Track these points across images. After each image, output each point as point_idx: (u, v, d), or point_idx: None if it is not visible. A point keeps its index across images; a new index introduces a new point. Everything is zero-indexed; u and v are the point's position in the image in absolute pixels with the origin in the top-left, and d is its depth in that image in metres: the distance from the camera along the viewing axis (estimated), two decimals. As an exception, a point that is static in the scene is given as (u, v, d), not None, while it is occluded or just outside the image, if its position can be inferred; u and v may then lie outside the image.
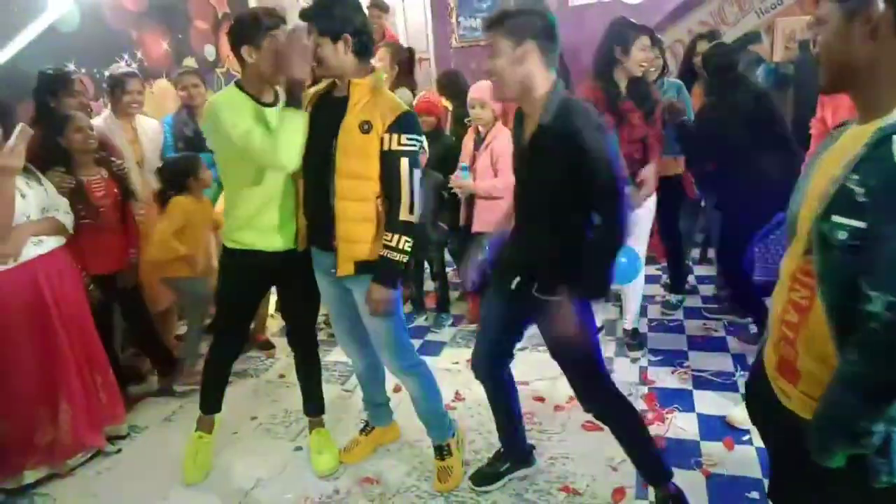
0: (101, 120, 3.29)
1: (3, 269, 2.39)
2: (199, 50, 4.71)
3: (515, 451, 2.43)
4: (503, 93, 1.90)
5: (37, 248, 2.49)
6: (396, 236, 2.05)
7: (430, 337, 3.71)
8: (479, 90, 3.25)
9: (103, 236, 2.93)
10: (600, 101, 2.86)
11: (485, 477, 2.42)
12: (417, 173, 2.07)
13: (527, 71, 1.81)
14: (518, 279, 1.99)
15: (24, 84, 3.07)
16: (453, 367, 3.33)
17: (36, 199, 2.50)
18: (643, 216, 3.13)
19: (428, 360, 3.33)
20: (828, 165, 1.12)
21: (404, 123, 2.02)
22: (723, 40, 3.77)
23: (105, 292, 2.99)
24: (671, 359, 3.27)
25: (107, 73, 3.45)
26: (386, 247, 2.06)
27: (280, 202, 2.27)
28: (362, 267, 2.12)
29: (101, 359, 2.73)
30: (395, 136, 2.01)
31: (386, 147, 2.02)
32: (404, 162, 2.03)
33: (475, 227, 3.31)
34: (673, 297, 3.86)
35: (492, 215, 2.85)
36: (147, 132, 3.47)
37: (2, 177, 2.31)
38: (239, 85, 2.23)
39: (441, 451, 2.46)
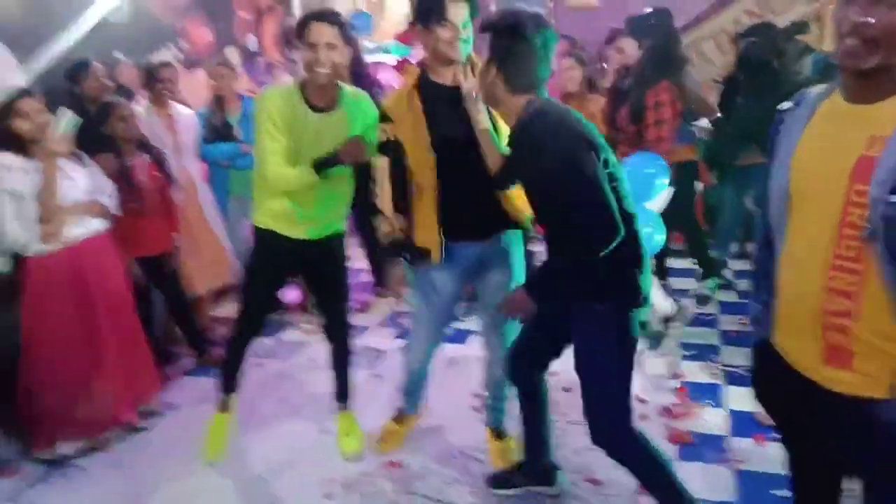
0: (142, 107, 3.40)
1: (48, 249, 2.50)
2: (242, 40, 4.81)
3: (535, 468, 2.32)
4: (484, 98, 1.92)
5: (81, 229, 2.60)
6: None
7: (458, 325, 3.72)
8: None
9: (146, 220, 3.03)
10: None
11: (498, 481, 2.37)
12: None
13: (491, 91, 1.82)
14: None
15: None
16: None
17: (83, 182, 2.60)
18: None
19: (456, 347, 3.42)
20: (833, 144, 1.10)
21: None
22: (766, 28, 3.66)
23: (147, 274, 3.10)
24: (704, 353, 3.21)
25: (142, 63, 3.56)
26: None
27: (300, 195, 2.33)
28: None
29: (139, 338, 2.83)
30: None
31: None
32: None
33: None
34: (707, 285, 3.71)
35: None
36: (181, 120, 3.56)
37: (49, 161, 2.42)
38: (301, 85, 2.27)
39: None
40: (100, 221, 2.69)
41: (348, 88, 2.37)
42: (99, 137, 2.89)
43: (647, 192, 2.85)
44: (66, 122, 2.45)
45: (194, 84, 4.18)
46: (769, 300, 1.33)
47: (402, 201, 2.21)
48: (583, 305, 1.86)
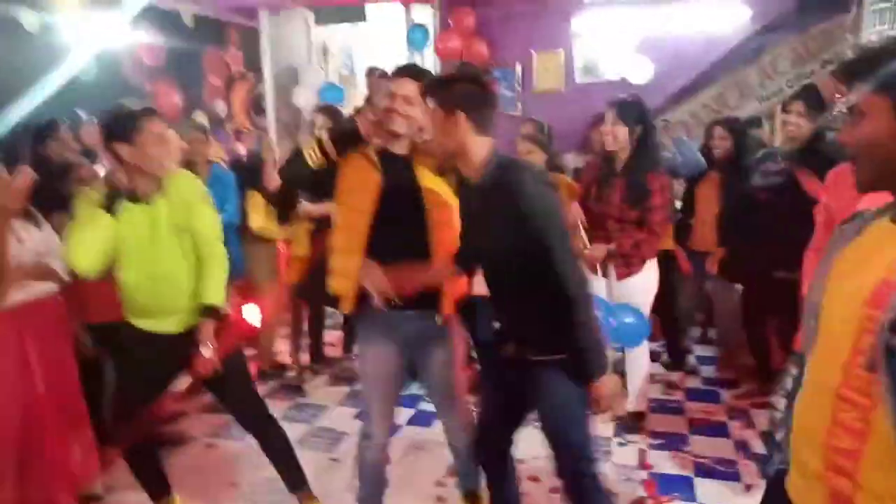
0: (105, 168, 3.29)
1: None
2: (212, 105, 4.78)
3: None
4: (442, 158, 1.96)
5: (22, 294, 2.43)
6: None
7: (423, 406, 3.60)
8: None
9: (102, 283, 2.85)
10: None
11: None
12: None
13: (457, 141, 1.84)
14: (512, 346, 1.97)
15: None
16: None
17: (32, 244, 2.46)
18: (642, 290, 3.10)
19: (420, 430, 3.29)
20: (863, 263, 1.07)
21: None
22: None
23: (100, 342, 2.90)
24: (672, 442, 3.17)
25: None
26: None
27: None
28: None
29: (81, 414, 2.62)
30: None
31: None
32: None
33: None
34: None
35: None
36: None
37: (2, 218, 2.28)
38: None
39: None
40: (47, 285, 2.53)
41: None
42: (57, 197, 2.77)
43: (632, 341, 3.07)
44: (18, 177, 2.33)
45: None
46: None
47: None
48: (551, 359, 1.89)
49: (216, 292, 2.30)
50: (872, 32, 4.23)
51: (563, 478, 2.03)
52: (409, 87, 2.08)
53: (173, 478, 2.56)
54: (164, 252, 2.25)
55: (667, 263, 3.53)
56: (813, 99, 3.19)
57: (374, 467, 2.37)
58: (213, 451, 3.09)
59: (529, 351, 1.93)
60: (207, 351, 2.21)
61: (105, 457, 2.88)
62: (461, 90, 1.83)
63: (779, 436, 1.38)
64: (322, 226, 3.15)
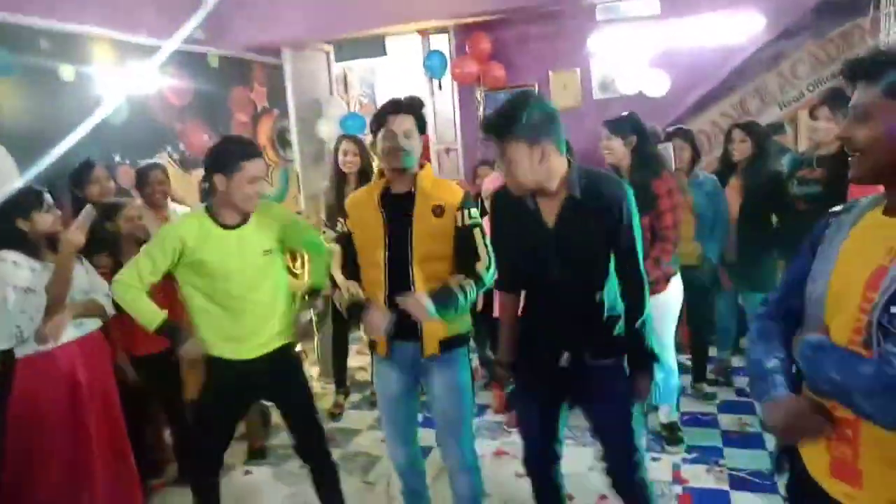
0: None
1: (42, 350, 2.44)
2: (238, 141, 4.93)
3: None
4: (523, 189, 1.93)
5: (76, 330, 2.55)
6: (469, 280, 2.12)
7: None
8: (499, 180, 3.30)
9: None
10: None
11: None
12: (487, 239, 2.19)
13: (546, 167, 1.86)
14: (567, 354, 2.00)
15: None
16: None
17: (79, 281, 2.58)
18: (667, 305, 3.09)
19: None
20: (863, 252, 1.14)
21: (469, 201, 2.21)
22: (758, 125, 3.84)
23: (146, 375, 2.99)
24: (706, 456, 3.13)
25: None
26: (452, 280, 2.13)
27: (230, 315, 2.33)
28: (444, 345, 2.20)
29: (125, 447, 2.71)
30: (465, 212, 2.18)
31: (460, 223, 2.17)
32: (477, 231, 2.19)
33: (497, 312, 3.29)
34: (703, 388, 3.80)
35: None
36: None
37: (66, 251, 2.42)
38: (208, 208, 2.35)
39: None
40: (94, 321, 2.65)
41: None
42: (97, 237, 2.89)
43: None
44: (85, 215, 2.48)
45: (193, 184, 4.25)
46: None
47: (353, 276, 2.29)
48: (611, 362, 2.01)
49: (320, 276, 2.52)
50: (891, 34, 4.19)
51: (626, 486, 2.08)
52: (408, 122, 2.14)
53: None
54: (254, 276, 2.33)
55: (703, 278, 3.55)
56: (840, 102, 3.15)
57: (408, 489, 2.46)
58: (250, 475, 3.15)
59: (590, 356, 1.99)
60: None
61: (147, 488, 2.97)
62: (537, 118, 1.82)
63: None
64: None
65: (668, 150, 3.36)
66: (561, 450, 2.22)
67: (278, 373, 2.42)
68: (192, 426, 2.48)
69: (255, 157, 2.25)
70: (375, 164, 4.43)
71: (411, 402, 2.37)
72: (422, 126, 2.18)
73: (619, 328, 2.02)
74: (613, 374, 2.02)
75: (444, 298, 2.07)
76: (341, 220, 2.32)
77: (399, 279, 2.14)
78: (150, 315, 2.29)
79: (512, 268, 2.13)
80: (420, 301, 2.02)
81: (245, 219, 2.34)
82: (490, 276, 2.15)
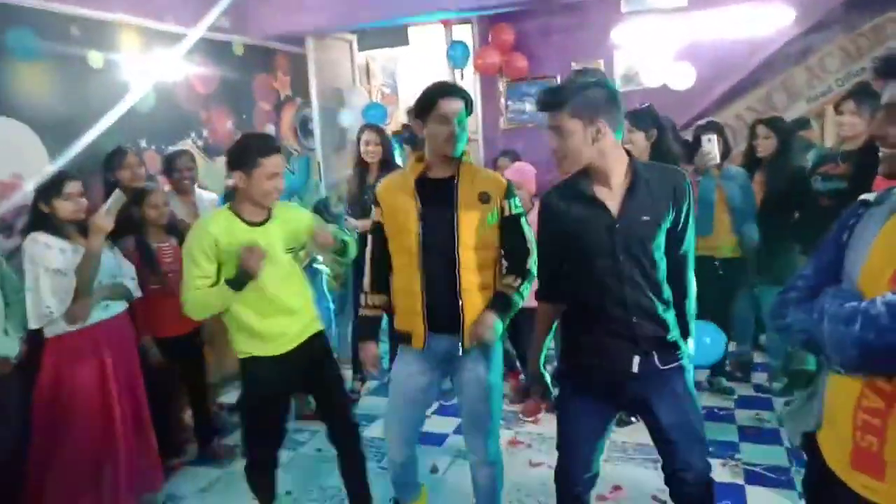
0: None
1: (70, 331, 2.51)
2: (261, 129, 4.98)
3: None
4: (573, 168, 1.83)
5: (103, 312, 2.62)
6: (519, 280, 2.16)
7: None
8: (520, 172, 3.32)
9: (171, 301, 3.02)
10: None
11: None
12: (532, 231, 2.17)
13: (599, 147, 1.77)
14: (638, 358, 1.86)
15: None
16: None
17: (107, 264, 2.64)
18: None
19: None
20: (890, 248, 1.14)
21: (512, 190, 2.21)
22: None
23: (169, 356, 3.05)
24: (722, 450, 3.12)
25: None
26: (507, 286, 2.17)
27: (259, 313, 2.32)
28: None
29: (147, 425, 2.79)
30: (511, 201, 2.18)
31: (507, 213, 2.17)
32: (524, 220, 2.20)
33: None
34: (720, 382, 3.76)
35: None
36: (203, 205, 3.65)
37: (95, 236, 2.48)
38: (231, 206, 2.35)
39: None
40: (120, 304, 2.72)
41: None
42: (124, 221, 2.95)
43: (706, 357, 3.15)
44: (114, 200, 2.52)
45: (216, 171, 4.30)
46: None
47: (381, 281, 2.30)
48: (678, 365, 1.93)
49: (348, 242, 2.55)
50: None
51: (697, 489, 1.98)
52: (460, 105, 2.07)
53: (230, 485, 2.67)
54: (282, 272, 2.33)
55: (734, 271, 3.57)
56: (867, 96, 3.11)
57: (400, 481, 2.48)
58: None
59: (661, 362, 1.88)
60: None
61: (167, 466, 3.05)
62: (597, 95, 1.74)
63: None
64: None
65: (712, 142, 3.34)
66: (599, 466, 2.08)
67: (312, 362, 2.43)
68: (247, 434, 2.48)
69: (272, 154, 2.24)
70: (398, 154, 4.47)
71: (427, 401, 2.35)
72: (470, 111, 2.11)
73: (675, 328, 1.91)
74: (680, 377, 1.95)
75: (506, 308, 2.09)
76: (376, 208, 2.26)
77: (434, 266, 2.11)
78: (222, 293, 2.23)
79: (553, 276, 1.99)
80: (488, 322, 2.05)
81: (268, 216, 2.35)
82: (535, 269, 2.12)
